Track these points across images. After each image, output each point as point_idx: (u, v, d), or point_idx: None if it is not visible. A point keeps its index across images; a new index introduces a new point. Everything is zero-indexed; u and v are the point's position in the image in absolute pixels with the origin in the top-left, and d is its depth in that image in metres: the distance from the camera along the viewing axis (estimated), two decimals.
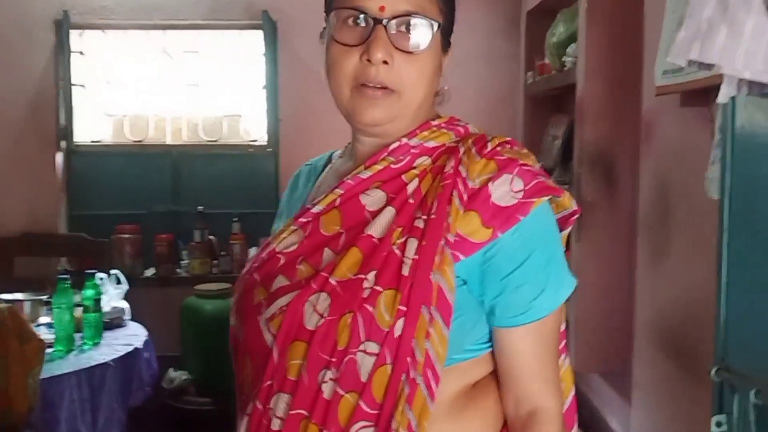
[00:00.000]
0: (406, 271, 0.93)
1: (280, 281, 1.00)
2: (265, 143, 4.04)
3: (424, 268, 0.93)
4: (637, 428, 2.35)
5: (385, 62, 0.98)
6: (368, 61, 0.98)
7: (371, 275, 0.94)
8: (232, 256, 3.89)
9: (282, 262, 1.02)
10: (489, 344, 1.02)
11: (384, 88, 0.99)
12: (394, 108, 1.01)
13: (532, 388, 1.00)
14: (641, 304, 2.28)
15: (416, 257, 0.94)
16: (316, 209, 1.03)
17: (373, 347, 0.92)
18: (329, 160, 1.19)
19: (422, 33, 1.00)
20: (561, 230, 1.04)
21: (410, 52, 0.99)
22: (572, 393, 1.10)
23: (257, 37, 3.95)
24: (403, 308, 0.92)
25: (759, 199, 1.41)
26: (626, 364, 2.42)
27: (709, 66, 1.31)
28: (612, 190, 2.55)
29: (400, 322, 0.92)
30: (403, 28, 0.99)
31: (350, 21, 1.00)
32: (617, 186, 2.55)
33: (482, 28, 3.89)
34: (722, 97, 1.33)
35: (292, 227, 1.04)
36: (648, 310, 2.24)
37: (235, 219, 3.92)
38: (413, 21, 0.99)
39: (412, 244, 0.95)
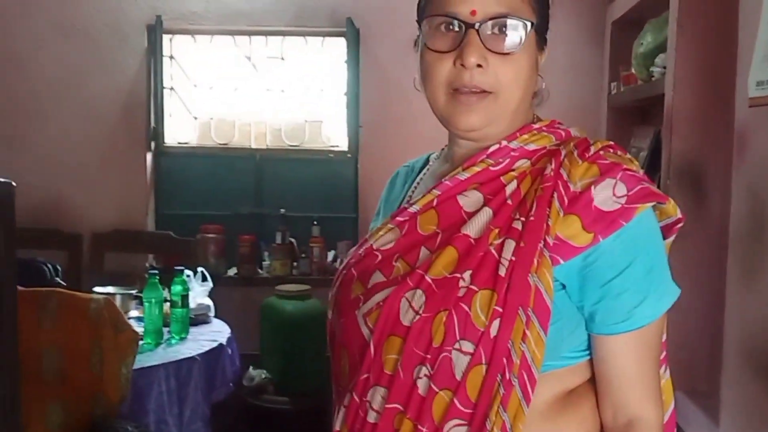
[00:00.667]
0: (502, 272, 0.94)
1: (377, 277, 1.02)
2: (346, 149, 4.10)
3: (521, 270, 0.93)
4: None
5: (480, 66, 0.98)
6: (462, 65, 0.99)
7: (467, 274, 0.95)
8: (311, 258, 3.96)
9: (379, 258, 1.04)
10: (587, 352, 1.02)
11: (481, 91, 1.00)
12: (492, 110, 1.01)
13: (632, 397, 0.99)
14: (731, 321, 2.22)
15: (513, 258, 0.94)
16: (413, 209, 1.05)
17: (468, 346, 0.93)
18: (427, 162, 1.20)
19: (515, 34, 0.99)
20: (664, 238, 1.03)
21: (505, 54, 0.99)
22: (672, 405, 1.08)
23: (340, 44, 4.02)
24: (500, 309, 0.93)
25: None
26: (713, 383, 2.35)
27: None
28: (701, 203, 2.49)
29: (495, 323, 0.93)
30: (495, 30, 0.99)
31: (443, 27, 1.01)
32: (707, 199, 2.49)
33: (566, 38, 3.86)
34: None
35: (390, 225, 1.06)
36: (739, 329, 2.18)
37: (315, 222, 3.99)
38: (505, 22, 0.99)
39: (510, 245, 0.95)
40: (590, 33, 3.82)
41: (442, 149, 1.18)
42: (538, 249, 0.94)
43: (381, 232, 1.07)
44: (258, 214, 4.13)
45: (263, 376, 3.48)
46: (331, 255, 4.00)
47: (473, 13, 0.99)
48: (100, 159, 4.04)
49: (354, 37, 3.93)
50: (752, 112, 2.15)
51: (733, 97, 2.37)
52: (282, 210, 4.03)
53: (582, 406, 1.02)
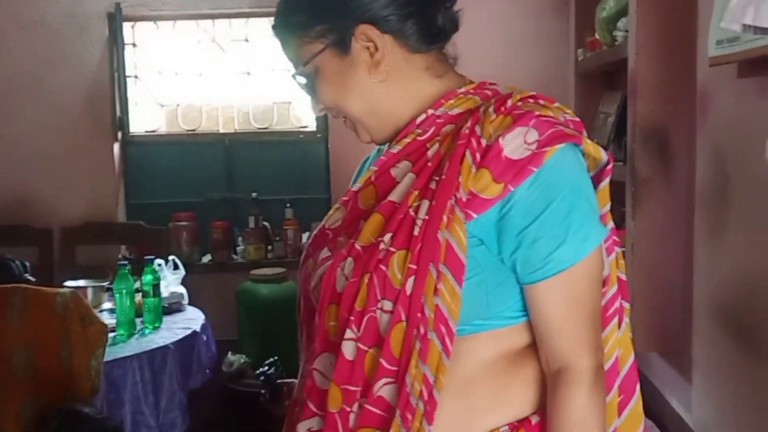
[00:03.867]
0: (416, 231, 0.96)
1: (324, 253, 1.07)
2: (315, 129, 4.07)
3: (432, 227, 0.95)
4: (698, 408, 2.30)
5: (322, 110, 1.13)
6: None
7: (387, 237, 0.97)
8: (285, 241, 3.94)
9: (329, 237, 1.08)
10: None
11: (345, 120, 1.12)
12: (361, 127, 1.10)
13: (561, 346, 0.98)
14: (700, 281, 2.24)
15: (426, 217, 0.96)
16: (354, 187, 1.09)
17: (388, 305, 0.96)
18: None
19: (309, 83, 1.10)
20: (597, 184, 1.03)
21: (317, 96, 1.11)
22: (631, 359, 1.08)
23: None
24: (413, 266, 0.95)
25: None
26: (686, 343, 2.37)
27: (765, 30, 1.26)
28: (667, 165, 2.50)
29: (410, 281, 0.95)
30: (304, 85, 1.10)
31: None
32: (672, 161, 2.49)
33: (531, 8, 3.85)
34: None
35: (337, 205, 1.10)
36: (707, 288, 2.19)
37: (288, 205, 3.97)
38: (298, 80, 1.10)
39: (425, 205, 0.97)
40: (555, 1, 3.81)
41: None
42: (448, 206, 0.95)
43: (331, 212, 1.11)
44: (230, 199, 4.11)
45: (242, 360, 3.47)
46: (305, 236, 3.98)
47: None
48: (66, 152, 3.98)
49: None
50: (713, 72, 2.15)
51: (695, 60, 2.37)
52: (254, 194, 4.00)
53: (527, 367, 1.02)
